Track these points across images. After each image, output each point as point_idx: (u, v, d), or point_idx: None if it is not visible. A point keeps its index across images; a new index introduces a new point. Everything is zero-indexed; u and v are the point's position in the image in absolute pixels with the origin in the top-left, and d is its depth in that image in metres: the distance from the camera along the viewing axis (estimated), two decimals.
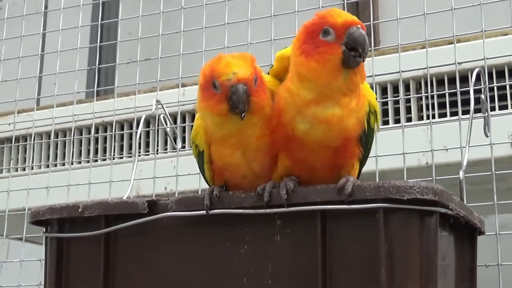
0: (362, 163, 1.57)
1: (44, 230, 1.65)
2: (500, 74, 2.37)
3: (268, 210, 1.42)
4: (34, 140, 3.07)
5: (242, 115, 1.42)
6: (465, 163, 1.64)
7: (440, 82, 2.44)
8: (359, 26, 1.39)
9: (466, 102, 2.17)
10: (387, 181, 1.33)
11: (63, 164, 3.07)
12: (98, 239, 1.56)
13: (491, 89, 2.32)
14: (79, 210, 1.57)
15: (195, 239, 1.50)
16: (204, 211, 1.47)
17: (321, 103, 1.41)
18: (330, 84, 1.40)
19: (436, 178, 2.15)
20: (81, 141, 3.08)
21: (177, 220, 1.51)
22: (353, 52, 1.38)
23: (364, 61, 1.40)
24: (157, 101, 2.02)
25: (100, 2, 2.96)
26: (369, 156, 1.59)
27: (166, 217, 1.51)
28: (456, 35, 2.26)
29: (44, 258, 1.68)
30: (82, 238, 1.58)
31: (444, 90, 2.41)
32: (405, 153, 2.24)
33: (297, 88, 1.44)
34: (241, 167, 1.52)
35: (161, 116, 2.11)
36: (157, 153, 2.81)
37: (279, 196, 1.41)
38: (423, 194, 1.31)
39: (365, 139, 1.50)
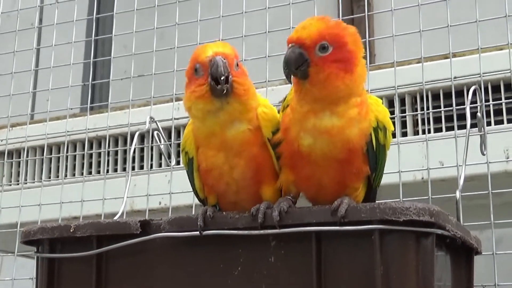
0: (374, 184, 1.55)
1: (36, 250, 1.63)
2: (496, 89, 2.36)
3: (262, 231, 1.41)
4: (27, 155, 3.05)
5: (224, 87, 1.43)
6: (461, 182, 1.62)
7: (436, 97, 2.43)
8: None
9: (461, 117, 2.16)
10: (383, 202, 1.32)
11: (57, 178, 3.05)
12: (90, 260, 1.54)
13: (487, 105, 2.31)
14: (71, 230, 1.55)
15: (188, 260, 1.48)
16: (198, 232, 1.46)
17: (318, 113, 1.42)
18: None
19: (432, 197, 2.12)
20: (74, 155, 3.06)
21: (170, 240, 1.49)
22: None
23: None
24: (151, 118, 2.00)
25: (94, 17, 2.95)
26: None
27: (159, 238, 1.49)
28: (452, 52, 2.25)
29: (35, 277, 1.65)
30: (74, 258, 1.56)
31: (439, 104, 2.39)
32: (401, 171, 2.21)
33: (296, 103, 1.47)
34: (224, 172, 1.52)
35: (155, 133, 2.09)
36: (151, 168, 2.79)
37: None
38: (420, 216, 1.30)
39: (374, 156, 1.49)
